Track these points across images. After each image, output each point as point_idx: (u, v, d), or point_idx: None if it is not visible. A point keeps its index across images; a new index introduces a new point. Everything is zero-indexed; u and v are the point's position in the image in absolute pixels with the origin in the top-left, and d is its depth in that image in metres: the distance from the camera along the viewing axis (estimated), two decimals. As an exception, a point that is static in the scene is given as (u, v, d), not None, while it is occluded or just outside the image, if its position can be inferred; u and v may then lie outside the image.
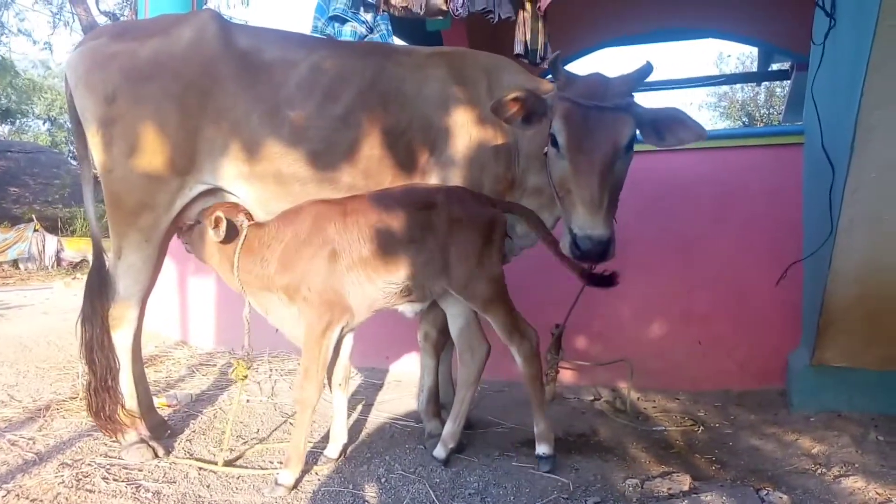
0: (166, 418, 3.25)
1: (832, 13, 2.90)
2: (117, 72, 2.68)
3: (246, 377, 2.79)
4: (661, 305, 4.11)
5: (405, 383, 4.21)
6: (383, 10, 4.61)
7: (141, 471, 2.65)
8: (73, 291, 9.40)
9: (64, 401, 3.57)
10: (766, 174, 3.99)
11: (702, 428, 3.29)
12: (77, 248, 16.12)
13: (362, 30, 4.58)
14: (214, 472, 2.64)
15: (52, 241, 16.34)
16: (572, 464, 2.76)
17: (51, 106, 27.94)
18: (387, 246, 2.53)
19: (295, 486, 2.49)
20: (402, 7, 4.57)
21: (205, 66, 2.71)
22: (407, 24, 5.94)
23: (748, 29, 7.60)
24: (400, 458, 2.82)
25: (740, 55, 26.10)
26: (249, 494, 2.46)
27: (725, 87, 26.00)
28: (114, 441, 2.87)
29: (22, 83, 25.24)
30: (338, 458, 2.77)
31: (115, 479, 2.55)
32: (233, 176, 2.78)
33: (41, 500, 2.35)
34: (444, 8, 4.54)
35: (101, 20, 16.98)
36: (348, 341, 2.80)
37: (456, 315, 2.83)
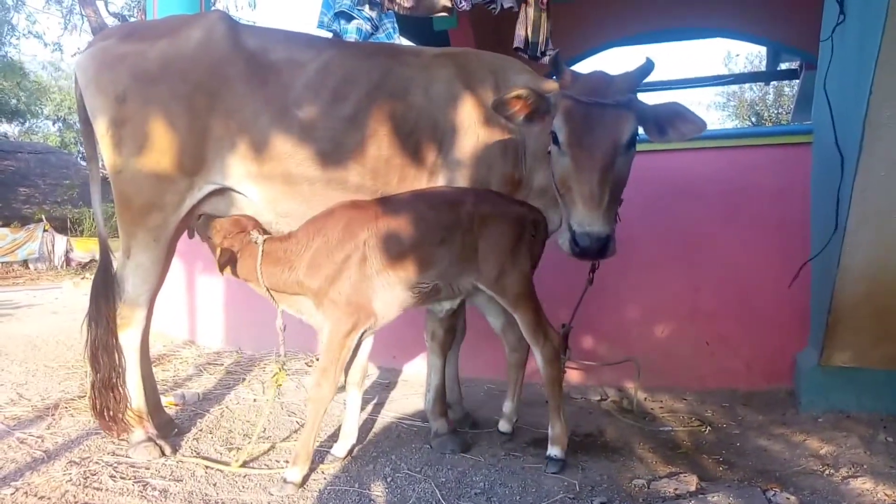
0: (173, 417, 3.27)
1: (842, 6, 2.88)
2: (127, 73, 2.70)
3: (280, 385, 2.82)
4: (667, 305, 4.10)
5: (411, 382, 4.21)
6: (388, 8, 4.62)
7: (148, 469, 2.66)
8: (81, 291, 9.46)
9: (72, 399, 3.60)
10: (774, 173, 3.96)
11: (709, 428, 3.27)
12: (86, 249, 16.25)
13: (367, 27, 4.59)
14: (221, 471, 2.65)
15: (61, 242, 16.49)
16: (579, 464, 2.75)
17: (59, 106, 28.12)
18: (419, 248, 2.55)
19: (303, 484, 2.49)
20: (406, 7, 4.58)
21: (213, 66, 2.73)
22: (414, 24, 5.95)
23: (756, 28, 7.56)
24: (406, 458, 2.82)
25: (749, 54, 26.02)
26: (256, 493, 2.47)
27: (734, 87, 25.89)
28: (121, 440, 2.88)
29: (31, 84, 25.43)
30: (345, 457, 2.78)
31: (122, 478, 2.57)
32: (241, 176, 2.79)
33: (49, 498, 2.36)
34: (448, 4, 4.54)
35: (111, 21, 17.10)
36: (368, 342, 2.80)
37: (496, 313, 2.99)
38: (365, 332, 2.61)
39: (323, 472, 2.64)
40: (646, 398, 3.83)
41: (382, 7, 4.61)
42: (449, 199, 2.64)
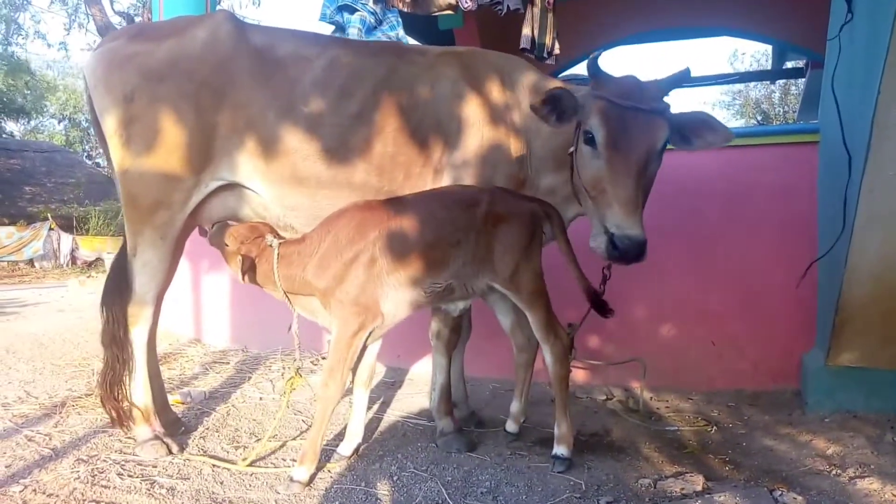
0: (180, 415, 3.28)
1: (850, 5, 2.87)
2: (135, 72, 2.72)
3: (294, 389, 2.84)
4: (674, 305, 4.09)
5: (417, 381, 4.22)
6: (391, 5, 4.62)
7: (155, 467, 2.67)
8: (87, 290, 9.51)
9: (79, 397, 3.61)
10: (781, 173, 3.95)
11: (715, 428, 3.27)
12: (92, 247, 16.32)
13: (371, 19, 4.59)
14: (228, 469, 2.66)
15: (66, 240, 16.56)
16: (585, 463, 2.75)
17: (65, 105, 28.22)
18: (433, 248, 2.55)
19: (310, 483, 2.50)
20: (409, 2, 4.58)
21: (220, 64, 2.74)
22: (419, 23, 5.95)
23: (762, 26, 7.54)
24: (412, 456, 2.82)
25: (755, 53, 25.94)
26: (263, 491, 2.47)
27: (740, 86, 25.83)
28: (128, 437, 2.90)
29: (37, 83, 25.51)
30: (351, 456, 2.78)
31: (129, 475, 2.58)
32: (249, 171, 2.81)
33: (57, 495, 2.37)
34: (453, 1, 4.53)
35: (116, 20, 17.16)
36: (377, 343, 2.80)
37: (505, 311, 2.98)
38: (372, 332, 2.60)
39: (329, 471, 2.65)
40: (651, 398, 3.83)
41: (386, 2, 4.61)
42: (464, 199, 2.62)
